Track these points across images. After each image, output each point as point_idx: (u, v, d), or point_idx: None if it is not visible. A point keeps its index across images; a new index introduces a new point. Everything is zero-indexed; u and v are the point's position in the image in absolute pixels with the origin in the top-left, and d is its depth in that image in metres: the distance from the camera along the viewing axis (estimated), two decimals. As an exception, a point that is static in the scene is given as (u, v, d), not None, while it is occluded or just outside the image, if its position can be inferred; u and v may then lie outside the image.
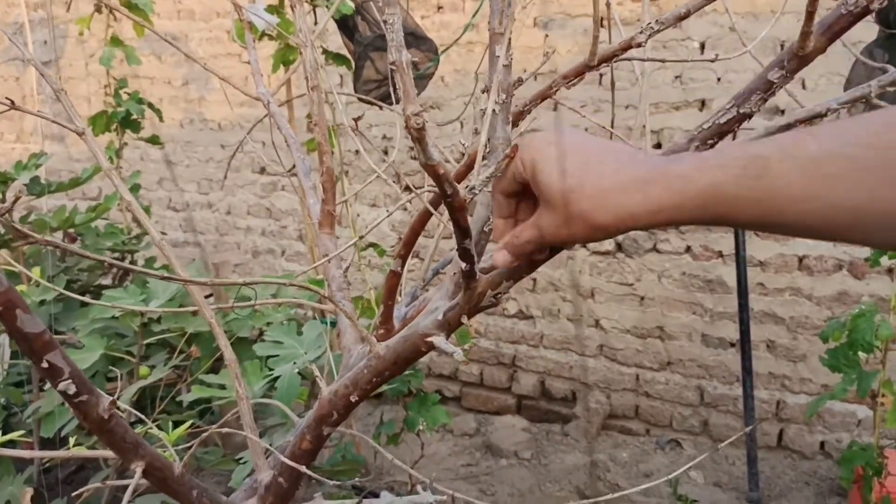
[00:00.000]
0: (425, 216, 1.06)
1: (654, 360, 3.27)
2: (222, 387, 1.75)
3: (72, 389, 0.78)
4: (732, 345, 3.10)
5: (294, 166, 1.63)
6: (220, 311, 2.30)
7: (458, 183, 1.08)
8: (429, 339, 0.83)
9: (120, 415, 0.85)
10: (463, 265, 0.77)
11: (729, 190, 0.54)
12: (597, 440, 3.29)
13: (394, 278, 1.15)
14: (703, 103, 3.07)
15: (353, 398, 0.92)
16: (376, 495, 2.71)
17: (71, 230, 2.44)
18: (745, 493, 2.80)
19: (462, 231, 0.73)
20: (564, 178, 0.61)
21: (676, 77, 3.11)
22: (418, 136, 0.62)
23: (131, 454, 0.87)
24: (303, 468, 0.93)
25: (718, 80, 3.05)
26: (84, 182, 2.12)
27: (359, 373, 0.91)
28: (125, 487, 1.12)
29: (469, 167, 1.02)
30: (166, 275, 0.77)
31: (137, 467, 0.88)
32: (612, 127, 1.78)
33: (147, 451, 0.88)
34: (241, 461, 1.59)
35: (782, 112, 2.94)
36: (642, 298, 3.27)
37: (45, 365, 0.75)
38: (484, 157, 0.87)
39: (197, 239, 4.59)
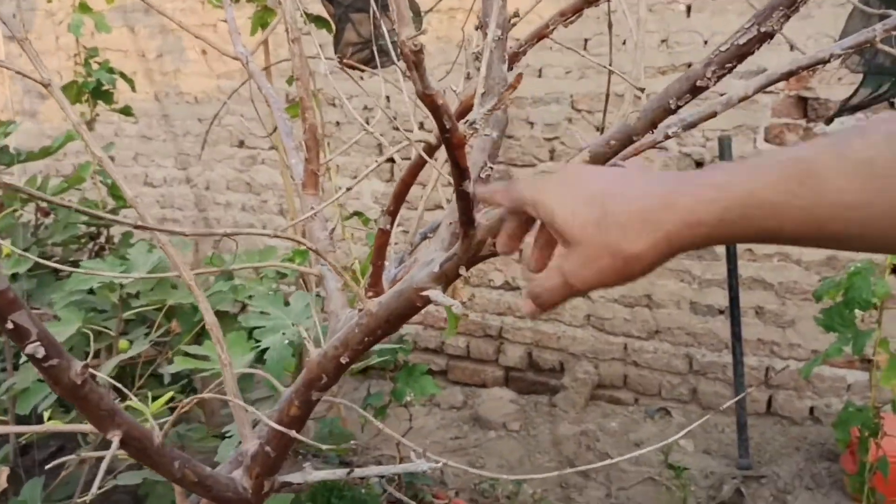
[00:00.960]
0: (416, 168, 1.00)
1: (642, 328, 3.24)
2: (205, 358, 1.69)
3: (40, 353, 0.72)
4: (721, 312, 3.08)
5: (275, 129, 1.57)
6: (202, 285, 2.23)
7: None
8: (424, 292, 0.78)
9: (94, 382, 0.79)
10: (461, 210, 0.71)
11: (770, 197, 0.48)
12: (585, 410, 3.26)
13: (383, 236, 1.09)
14: (689, 66, 3.01)
15: (343, 360, 0.86)
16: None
17: (43, 203, 2.36)
18: (735, 460, 2.78)
19: (460, 171, 0.67)
20: (585, 210, 0.54)
21: (662, 41, 3.06)
22: (416, 61, 0.56)
23: (107, 422, 0.81)
24: (292, 433, 0.88)
25: (705, 42, 3.00)
26: (55, 151, 2.04)
27: (349, 332, 0.85)
28: (106, 465, 1.06)
29: (464, 112, 0.96)
30: (141, 223, 0.71)
31: (114, 436, 0.82)
32: (609, 86, 1.72)
33: (124, 420, 0.83)
34: (226, 435, 1.54)
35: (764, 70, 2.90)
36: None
37: (9, 326, 0.69)
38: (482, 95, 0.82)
39: (175, 215, 4.50)
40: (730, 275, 2.78)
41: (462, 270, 0.75)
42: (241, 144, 4.18)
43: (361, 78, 3.73)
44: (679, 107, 0.61)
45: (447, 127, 0.61)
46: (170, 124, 4.38)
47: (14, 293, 0.70)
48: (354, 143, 1.54)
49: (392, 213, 1.05)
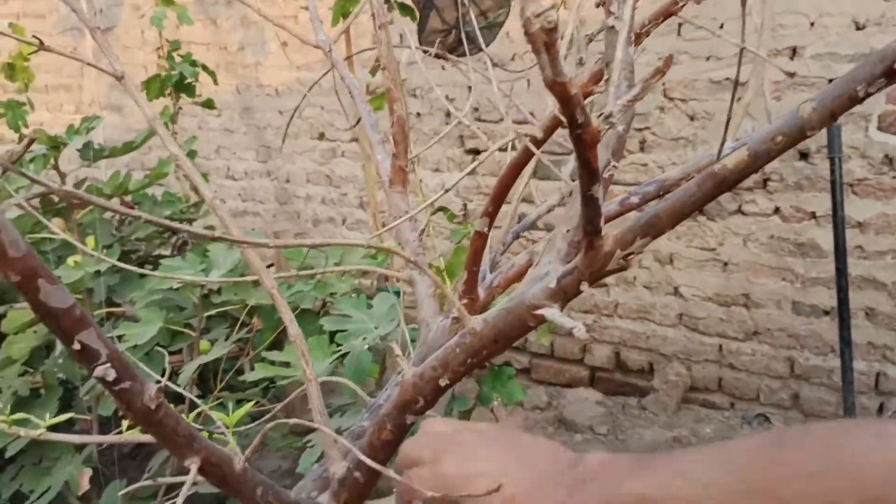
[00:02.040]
0: (519, 166, 0.89)
1: (738, 329, 3.06)
2: (287, 364, 1.63)
3: (111, 375, 0.65)
4: (826, 313, 2.87)
5: (359, 121, 1.49)
6: (283, 283, 2.18)
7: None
8: (539, 311, 0.67)
9: (169, 405, 0.72)
10: (587, 218, 0.60)
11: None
12: (677, 414, 3.11)
13: (479, 240, 0.98)
14: (793, 51, 2.82)
15: (442, 382, 0.77)
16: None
17: (127, 198, 2.35)
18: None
19: (590, 173, 0.56)
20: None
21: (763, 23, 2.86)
22: (547, 42, 0.45)
23: (185, 448, 0.74)
24: (380, 467, 0.79)
25: (812, 24, 2.80)
26: (138, 146, 2.01)
27: (449, 353, 0.76)
28: (184, 475, 1.00)
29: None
30: (224, 235, 0.63)
31: (192, 464, 0.74)
32: (738, 71, 1.58)
33: (203, 445, 0.75)
34: (308, 444, 1.47)
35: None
36: (726, 264, 3.06)
37: (76, 347, 0.62)
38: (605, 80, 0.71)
39: (256, 208, 4.50)
40: (839, 274, 2.59)
41: (584, 287, 0.65)
42: (322, 137, 4.14)
43: (443, 68, 3.64)
44: (868, 94, 0.50)
45: (579, 121, 0.51)
46: (251, 117, 4.37)
47: (80, 310, 0.62)
48: (433, 134, 1.47)
49: (490, 214, 0.94)
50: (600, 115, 0.53)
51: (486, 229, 0.97)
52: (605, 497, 0.54)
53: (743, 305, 3.04)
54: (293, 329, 0.95)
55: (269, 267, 2.60)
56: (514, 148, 1.12)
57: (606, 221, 0.62)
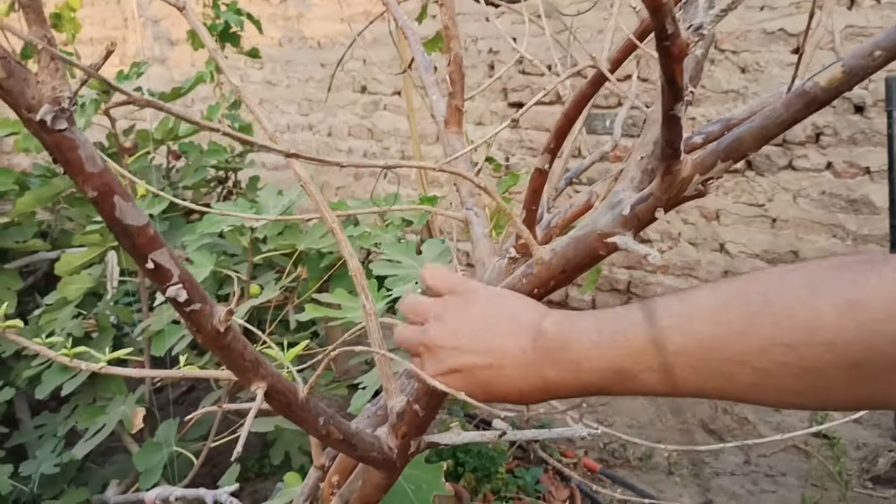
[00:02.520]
0: (584, 99, 0.87)
1: (785, 286, 3.01)
2: (336, 306, 1.64)
3: (182, 296, 0.65)
4: (877, 271, 2.82)
5: (410, 64, 1.47)
6: (327, 234, 2.18)
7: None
8: (610, 239, 0.66)
9: (237, 329, 0.72)
10: (667, 140, 0.59)
11: (628, 367, 0.54)
12: (720, 371, 3.08)
13: (540, 178, 0.97)
14: (851, 1, 2.72)
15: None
16: (488, 424, 2.60)
17: (174, 146, 2.36)
18: (889, 431, 2.57)
19: (675, 91, 0.55)
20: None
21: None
22: (642, -60, 0.44)
23: (251, 374, 0.74)
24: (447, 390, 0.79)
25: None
26: (187, 92, 2.01)
27: (515, 283, 0.75)
28: (238, 410, 1.01)
29: (644, 32, 0.82)
30: (298, 153, 0.62)
31: (258, 389, 0.75)
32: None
33: (269, 371, 0.75)
34: (359, 386, 1.48)
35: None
36: (774, 220, 3.00)
37: (150, 265, 0.62)
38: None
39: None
40: (892, 231, 2.53)
41: (659, 213, 0.63)
42: (364, 90, 4.12)
43: (487, 19, 3.58)
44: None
45: (669, 32, 0.49)
46: (293, 70, 4.36)
47: (155, 230, 0.63)
48: (476, 87, 1.44)
49: (552, 150, 0.92)
50: (689, 26, 0.51)
51: (546, 166, 0.96)
52: (578, 371, 0.57)
53: (791, 262, 2.99)
54: (354, 263, 0.95)
55: (309, 220, 2.61)
56: (560, 100, 1.09)
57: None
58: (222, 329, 0.69)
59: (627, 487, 2.36)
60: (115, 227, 0.60)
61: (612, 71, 0.85)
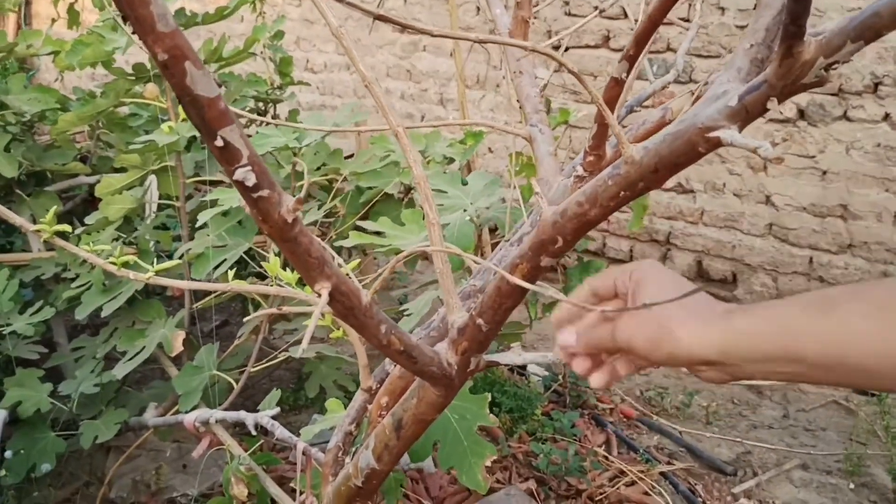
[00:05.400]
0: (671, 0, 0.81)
1: (832, 241, 2.93)
2: (380, 234, 1.60)
3: (251, 179, 0.61)
4: (931, 227, 2.73)
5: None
6: (365, 173, 2.14)
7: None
8: (713, 133, 0.61)
9: (302, 222, 0.68)
10: (792, 15, 0.53)
11: (797, 324, 0.57)
12: (760, 325, 3.02)
13: (616, 87, 0.91)
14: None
15: (590, 214, 0.71)
16: (523, 368, 2.57)
17: (215, 73, 2.31)
18: (935, 391, 2.50)
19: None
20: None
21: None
22: None
23: (316, 272, 0.70)
24: (527, 286, 0.74)
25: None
26: (232, 12, 1.96)
27: (600, 186, 0.70)
28: (293, 324, 0.98)
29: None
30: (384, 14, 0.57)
31: (323, 289, 0.71)
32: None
33: (334, 271, 0.72)
34: (405, 313, 1.45)
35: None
36: (824, 173, 2.91)
37: (219, 143, 0.58)
38: None
39: (334, 102, 4.46)
40: (952, 184, 2.44)
41: (772, 104, 0.58)
42: (404, 29, 4.04)
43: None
44: None
45: None
46: (331, 7, 4.28)
47: (225, 105, 0.58)
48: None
49: (631, 58, 0.86)
50: None
51: (624, 75, 0.90)
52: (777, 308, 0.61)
53: (839, 217, 2.90)
54: (418, 171, 0.90)
55: (348, 157, 2.57)
56: (606, 44, 1.03)
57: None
58: (290, 219, 0.65)
59: (664, 434, 2.33)
60: (183, 97, 0.55)
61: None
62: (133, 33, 0.53)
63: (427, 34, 0.56)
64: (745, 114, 0.60)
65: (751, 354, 0.59)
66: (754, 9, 2.83)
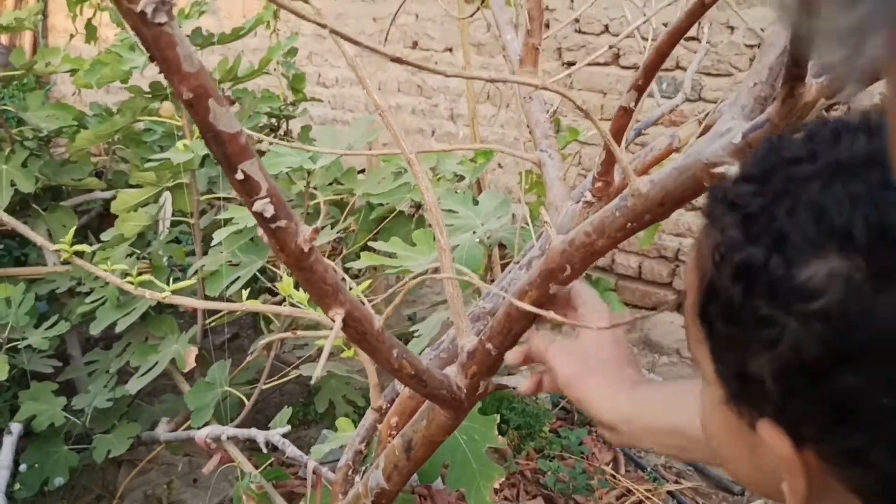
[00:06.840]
0: (682, 30, 0.83)
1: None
2: (391, 255, 1.62)
3: (269, 211, 0.63)
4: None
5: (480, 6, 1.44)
6: (383, 180, 2.16)
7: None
8: (717, 169, 0.63)
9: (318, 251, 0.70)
10: (793, 58, 0.55)
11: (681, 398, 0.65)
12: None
13: (624, 116, 0.93)
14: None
15: (597, 246, 0.73)
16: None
17: (229, 91, 2.35)
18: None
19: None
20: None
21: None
22: None
23: (331, 298, 0.72)
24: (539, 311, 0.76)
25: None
26: (247, 32, 1.99)
27: (607, 217, 0.72)
28: (304, 339, 1.00)
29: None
30: (399, 57, 0.59)
31: (337, 315, 0.73)
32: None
33: (348, 298, 0.74)
34: (414, 334, 1.47)
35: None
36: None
37: (239, 176, 0.60)
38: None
39: (345, 117, 4.49)
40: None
41: (774, 142, 0.59)
42: (415, 45, 4.07)
43: (544, -24, 3.50)
44: None
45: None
46: (344, 23, 4.32)
47: (247, 140, 0.60)
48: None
49: (640, 88, 0.89)
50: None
51: (632, 104, 0.92)
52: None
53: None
54: (430, 197, 0.92)
55: (360, 172, 2.59)
56: (616, 61, 1.05)
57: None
58: (306, 249, 0.67)
59: (672, 453, 2.33)
60: (207, 133, 0.58)
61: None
62: (160, 73, 0.55)
63: (441, 74, 0.58)
64: (749, 151, 0.62)
65: (649, 426, 0.66)
66: (762, 30, 2.85)
